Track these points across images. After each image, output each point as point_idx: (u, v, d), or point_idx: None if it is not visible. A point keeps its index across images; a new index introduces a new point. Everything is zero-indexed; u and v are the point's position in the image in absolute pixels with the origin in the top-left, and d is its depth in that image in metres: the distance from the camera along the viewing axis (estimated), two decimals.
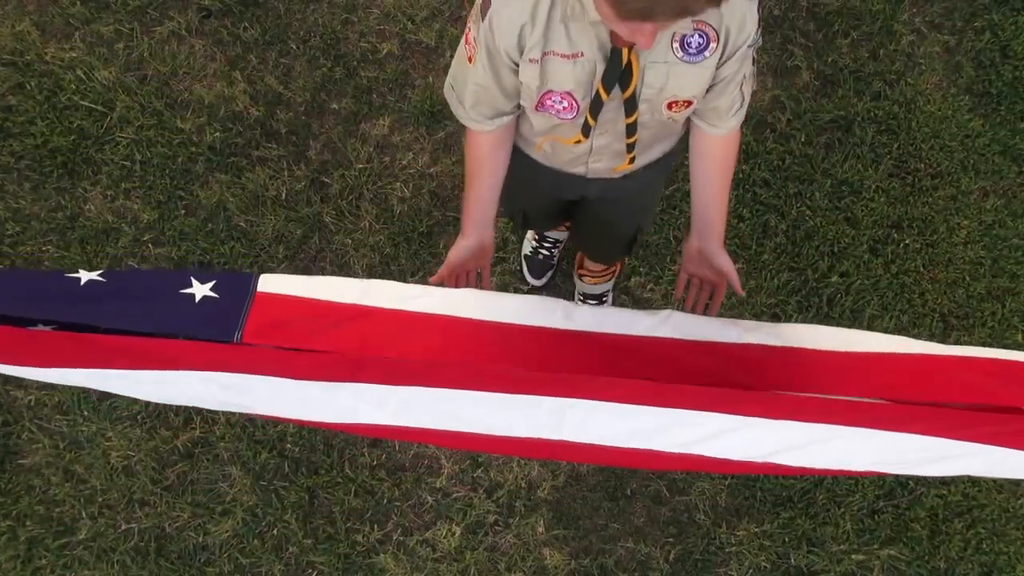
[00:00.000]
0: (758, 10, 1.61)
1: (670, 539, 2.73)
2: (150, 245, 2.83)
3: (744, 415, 1.51)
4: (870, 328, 2.83)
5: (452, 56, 2.91)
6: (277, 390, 1.54)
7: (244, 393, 1.55)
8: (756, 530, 2.73)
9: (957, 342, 2.82)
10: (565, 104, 1.68)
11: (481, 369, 1.58)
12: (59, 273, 1.55)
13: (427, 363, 1.57)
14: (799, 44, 2.99)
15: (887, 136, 2.95)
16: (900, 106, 2.96)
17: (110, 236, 2.84)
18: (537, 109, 1.72)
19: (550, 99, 1.68)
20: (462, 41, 1.72)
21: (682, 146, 1.95)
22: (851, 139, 2.94)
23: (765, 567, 2.71)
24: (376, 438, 1.65)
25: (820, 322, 2.82)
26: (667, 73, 1.63)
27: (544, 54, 1.60)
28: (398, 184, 2.88)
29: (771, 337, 1.67)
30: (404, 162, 2.90)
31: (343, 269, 2.83)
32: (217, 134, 2.89)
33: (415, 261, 2.84)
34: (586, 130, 1.75)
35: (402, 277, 2.82)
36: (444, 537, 2.70)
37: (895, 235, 2.90)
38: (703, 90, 1.68)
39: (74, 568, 2.67)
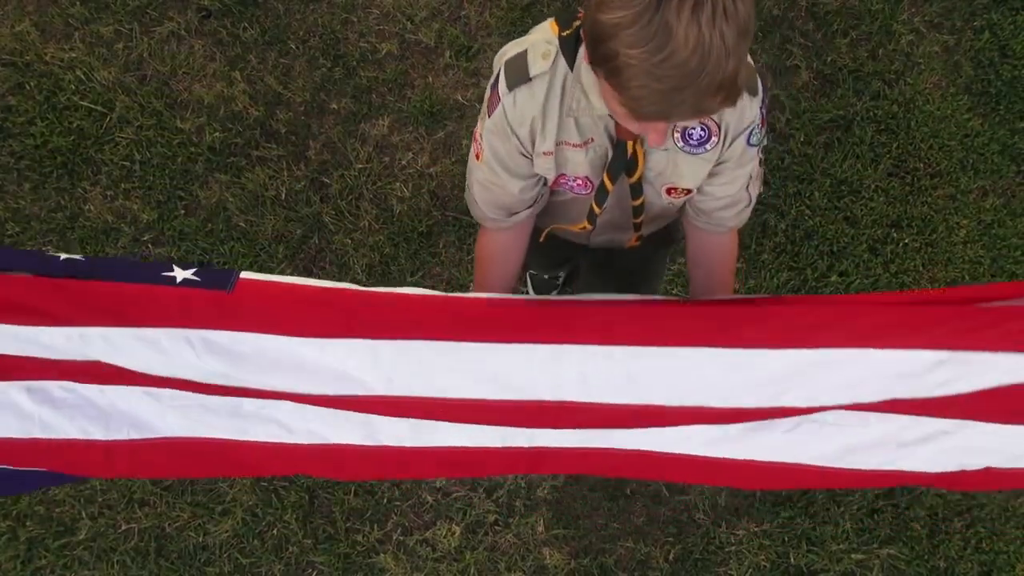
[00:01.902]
0: (762, 109, 1.61)
1: (670, 538, 2.73)
2: (150, 245, 2.83)
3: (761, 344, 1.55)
4: None
5: (452, 56, 2.93)
6: (263, 351, 1.55)
7: (232, 359, 1.55)
8: (756, 529, 2.73)
9: None
10: (579, 182, 1.70)
11: (476, 316, 1.60)
12: (39, 251, 1.58)
13: (421, 314, 1.59)
14: (798, 44, 2.99)
15: (886, 136, 2.95)
16: (899, 106, 2.96)
17: (110, 236, 2.84)
18: (552, 187, 1.73)
19: (564, 180, 1.70)
20: (472, 142, 1.74)
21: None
22: (850, 139, 2.94)
23: (765, 566, 2.71)
24: (368, 477, 1.67)
25: None
26: (667, 160, 1.64)
27: (557, 144, 1.62)
28: (398, 184, 2.88)
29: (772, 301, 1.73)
30: (404, 162, 2.90)
31: (343, 269, 2.83)
32: (217, 134, 2.89)
33: (415, 261, 2.85)
34: (591, 217, 1.77)
35: (402, 277, 2.82)
36: (444, 537, 2.70)
37: (894, 234, 2.90)
38: (700, 181, 1.68)
39: (74, 568, 2.68)
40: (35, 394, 1.61)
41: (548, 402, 1.57)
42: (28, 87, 2.90)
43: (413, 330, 1.57)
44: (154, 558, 2.68)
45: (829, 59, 2.98)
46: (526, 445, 1.63)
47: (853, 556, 2.72)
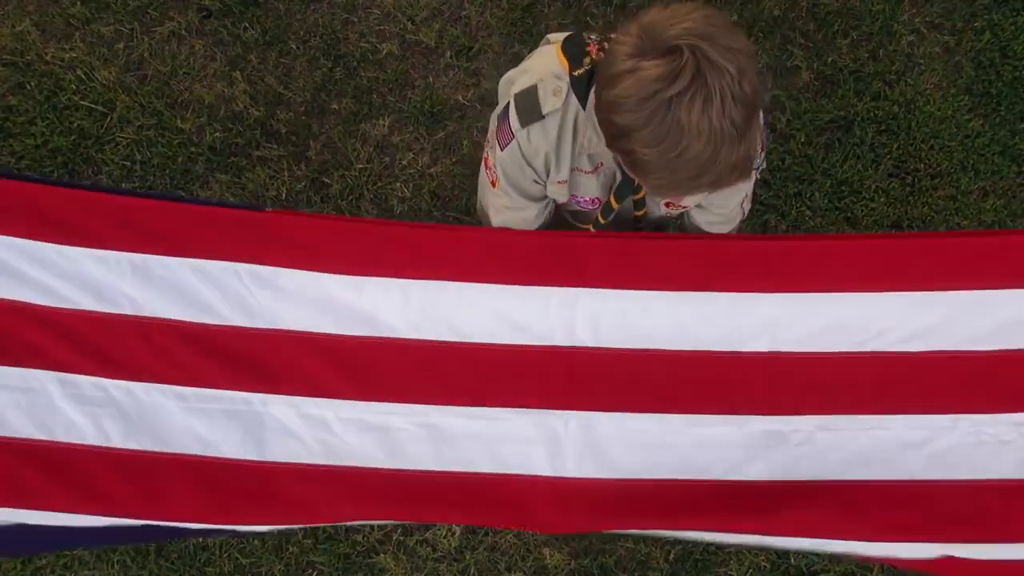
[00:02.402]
0: (764, 133, 1.64)
1: (670, 539, 2.73)
2: None
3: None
4: None
5: (452, 56, 2.93)
6: (303, 287, 1.60)
7: (275, 292, 1.61)
8: None
9: None
10: (587, 200, 1.74)
11: (499, 255, 1.65)
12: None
13: (449, 252, 1.64)
14: (799, 44, 2.99)
15: (887, 136, 2.95)
16: (900, 106, 2.96)
17: None
18: (561, 203, 1.79)
19: (575, 199, 1.74)
20: (483, 168, 1.77)
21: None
22: (851, 139, 2.94)
23: (764, 567, 2.71)
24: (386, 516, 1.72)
25: None
26: None
27: (571, 171, 1.66)
28: (398, 184, 2.88)
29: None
30: (404, 162, 2.90)
31: None
32: (217, 134, 2.89)
33: None
34: (596, 226, 1.82)
35: None
36: (444, 537, 2.70)
37: None
38: (699, 200, 1.73)
39: (74, 568, 2.68)
40: (66, 387, 1.61)
41: (562, 348, 1.61)
42: (29, 87, 2.90)
43: (443, 270, 1.62)
44: (154, 558, 2.68)
45: (830, 60, 2.98)
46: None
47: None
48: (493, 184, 1.72)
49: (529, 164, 1.64)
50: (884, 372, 1.61)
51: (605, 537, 2.72)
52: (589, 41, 1.55)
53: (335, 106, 2.93)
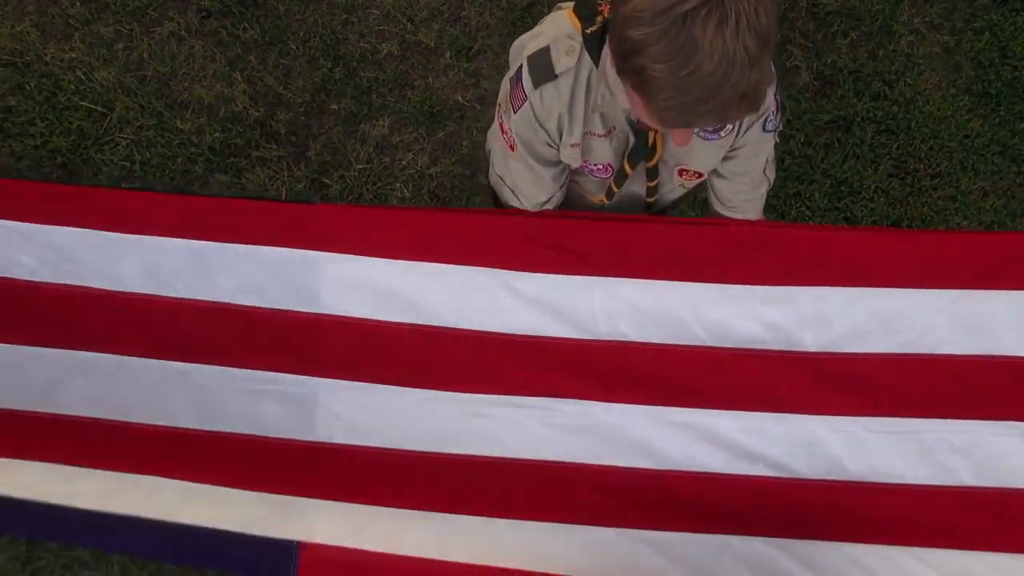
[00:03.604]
0: (776, 94, 1.64)
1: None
2: None
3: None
4: None
5: (452, 57, 2.93)
6: (351, 272, 1.68)
7: (322, 277, 1.66)
8: None
9: None
10: (600, 167, 1.73)
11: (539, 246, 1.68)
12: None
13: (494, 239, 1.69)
14: (798, 44, 2.99)
15: (886, 136, 2.95)
16: (899, 106, 2.96)
17: None
18: (573, 169, 1.78)
19: (587, 165, 1.74)
20: (497, 132, 1.77)
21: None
22: (850, 139, 2.94)
23: None
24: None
25: None
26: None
27: (583, 135, 1.66)
28: (398, 185, 2.88)
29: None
30: (404, 163, 2.90)
31: None
32: (217, 135, 2.89)
33: None
34: (610, 195, 1.81)
35: None
36: None
37: None
38: (713, 166, 1.73)
39: (74, 569, 2.67)
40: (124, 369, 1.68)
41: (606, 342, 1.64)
42: (28, 87, 2.89)
43: (487, 258, 1.66)
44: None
45: (829, 60, 2.98)
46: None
47: None
48: (512, 148, 1.71)
49: (542, 126, 1.63)
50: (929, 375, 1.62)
51: None
52: (601, 1, 1.55)
53: (335, 106, 2.93)
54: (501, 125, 1.72)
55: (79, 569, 2.67)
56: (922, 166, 2.94)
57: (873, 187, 2.92)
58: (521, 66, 1.61)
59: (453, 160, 2.90)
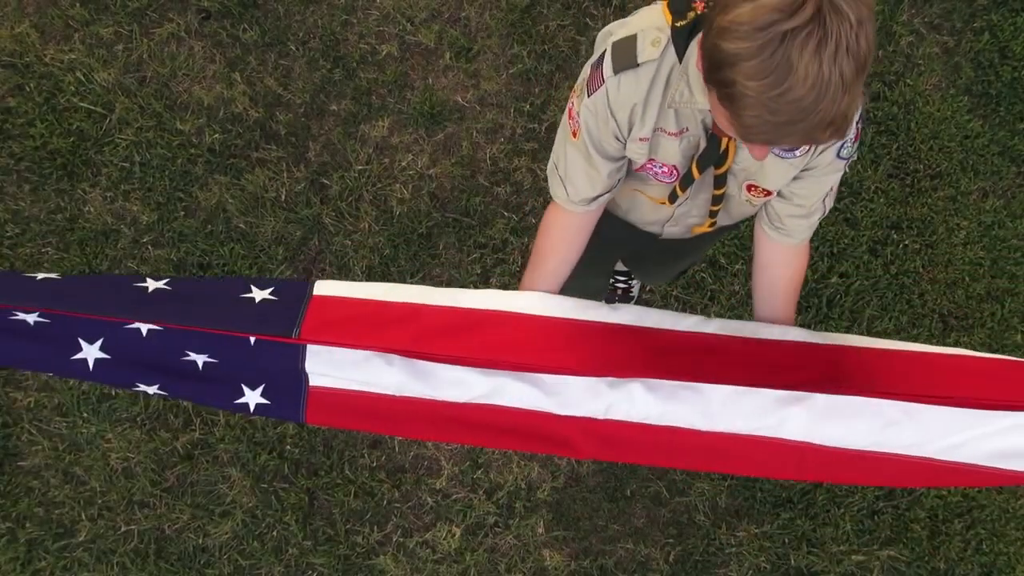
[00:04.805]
0: (858, 123, 1.60)
1: (670, 540, 2.73)
2: (149, 247, 2.83)
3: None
4: (868, 328, 2.84)
5: (451, 58, 2.93)
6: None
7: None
8: (756, 531, 2.73)
9: (956, 343, 2.83)
10: (665, 170, 1.70)
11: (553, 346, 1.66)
12: (128, 281, 1.62)
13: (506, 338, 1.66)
14: None
15: (886, 137, 2.95)
16: (899, 107, 2.96)
17: (109, 238, 2.84)
18: (636, 170, 1.74)
19: (652, 165, 1.70)
20: (564, 118, 1.72)
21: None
22: None
23: (765, 568, 2.71)
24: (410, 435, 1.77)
25: (820, 323, 2.83)
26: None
27: (654, 131, 1.63)
28: (397, 185, 2.88)
29: (811, 336, 1.71)
30: (403, 163, 2.90)
31: (342, 270, 2.83)
32: (216, 136, 2.89)
33: (415, 263, 2.85)
34: (673, 197, 1.77)
35: (401, 278, 2.82)
36: (444, 538, 2.70)
37: (894, 236, 2.90)
38: (783, 184, 1.69)
39: (73, 570, 2.67)
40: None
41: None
42: (28, 88, 2.90)
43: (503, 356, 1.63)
44: (153, 560, 2.68)
45: None
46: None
47: (853, 558, 2.72)
48: (574, 135, 1.68)
49: (613, 115, 1.60)
50: None
51: (605, 539, 2.72)
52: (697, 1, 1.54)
53: (334, 107, 2.93)
54: (570, 110, 1.68)
55: (79, 569, 2.67)
56: (922, 166, 2.94)
57: (873, 187, 2.92)
58: (604, 51, 1.58)
59: (453, 161, 2.90)
